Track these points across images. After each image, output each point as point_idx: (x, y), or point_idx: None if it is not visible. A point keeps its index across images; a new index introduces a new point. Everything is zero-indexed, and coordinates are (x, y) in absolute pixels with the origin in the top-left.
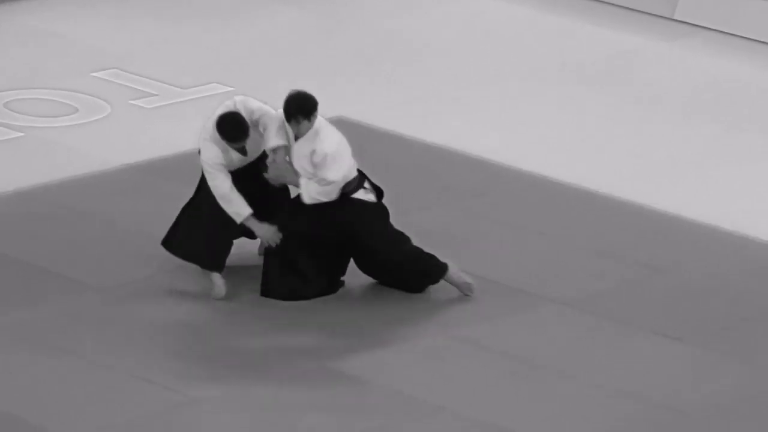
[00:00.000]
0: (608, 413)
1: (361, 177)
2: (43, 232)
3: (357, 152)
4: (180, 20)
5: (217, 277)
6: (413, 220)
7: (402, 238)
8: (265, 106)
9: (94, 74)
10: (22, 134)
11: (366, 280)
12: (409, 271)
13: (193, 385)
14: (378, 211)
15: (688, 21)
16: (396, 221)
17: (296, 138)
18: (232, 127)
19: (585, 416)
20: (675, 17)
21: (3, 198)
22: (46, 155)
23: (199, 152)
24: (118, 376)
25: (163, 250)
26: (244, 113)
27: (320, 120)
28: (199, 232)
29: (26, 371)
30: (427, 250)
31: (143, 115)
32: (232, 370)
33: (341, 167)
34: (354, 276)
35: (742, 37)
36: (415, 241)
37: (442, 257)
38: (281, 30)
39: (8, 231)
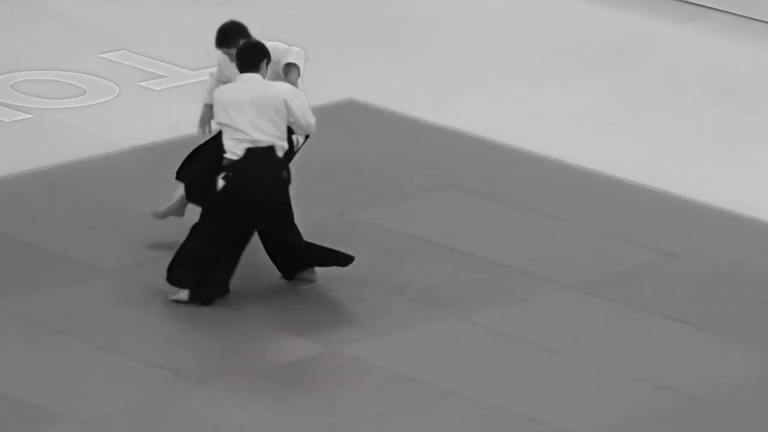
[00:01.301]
0: (620, 398)
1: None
2: (50, 215)
3: (367, 135)
4: (189, 1)
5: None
6: (423, 203)
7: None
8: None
9: (102, 55)
10: (30, 116)
11: (371, 265)
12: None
13: (198, 369)
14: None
15: (700, 3)
16: (406, 204)
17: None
18: (219, 31)
19: (597, 401)
20: None
21: (10, 179)
22: (53, 137)
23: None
24: (124, 360)
25: (169, 232)
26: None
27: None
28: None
29: (31, 354)
30: (437, 233)
31: (152, 96)
32: (237, 354)
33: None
34: (361, 260)
35: (754, 19)
36: (426, 223)
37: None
38: (291, 11)
39: (15, 213)
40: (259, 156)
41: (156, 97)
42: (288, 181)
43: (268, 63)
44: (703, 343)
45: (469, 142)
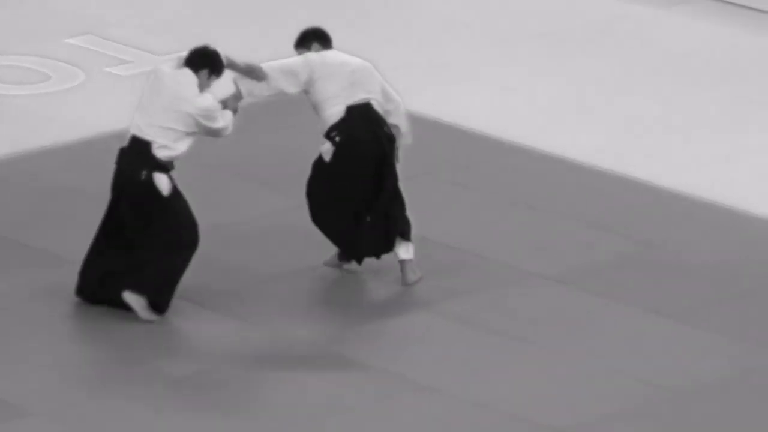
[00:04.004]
0: (598, 392)
1: None
2: (15, 204)
3: None
4: None
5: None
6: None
7: None
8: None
9: (67, 40)
10: None
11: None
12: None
13: (175, 361)
14: None
15: None
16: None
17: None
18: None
19: (574, 395)
20: None
21: None
22: (17, 124)
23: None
24: (95, 352)
25: None
26: None
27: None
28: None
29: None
30: (411, 221)
31: (118, 82)
32: (206, 346)
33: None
34: (331, 250)
35: (734, 4)
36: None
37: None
38: None
39: None
40: None
41: (122, 82)
42: None
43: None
44: (682, 335)
45: (443, 129)
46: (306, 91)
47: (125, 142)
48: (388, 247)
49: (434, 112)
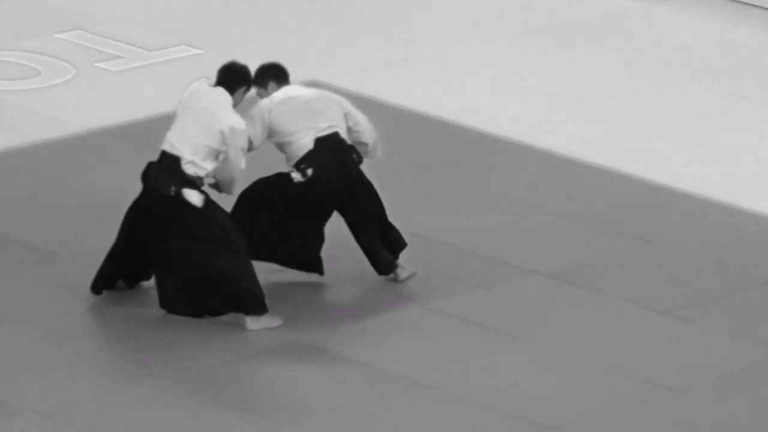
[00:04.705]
0: (592, 389)
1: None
2: (5, 199)
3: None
4: None
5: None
6: (389, 187)
7: None
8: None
9: (57, 35)
10: None
11: (331, 251)
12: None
13: (165, 357)
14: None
15: None
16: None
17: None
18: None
19: (567, 392)
20: None
21: None
22: (7, 119)
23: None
24: (85, 348)
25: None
26: None
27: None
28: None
29: None
30: (400, 218)
31: (109, 77)
32: (196, 343)
33: None
34: (325, 251)
35: (738, 1)
36: (392, 209)
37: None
38: None
39: None
40: None
41: (113, 78)
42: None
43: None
44: (677, 331)
45: (437, 125)
46: (269, 135)
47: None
48: (395, 258)
49: (428, 108)
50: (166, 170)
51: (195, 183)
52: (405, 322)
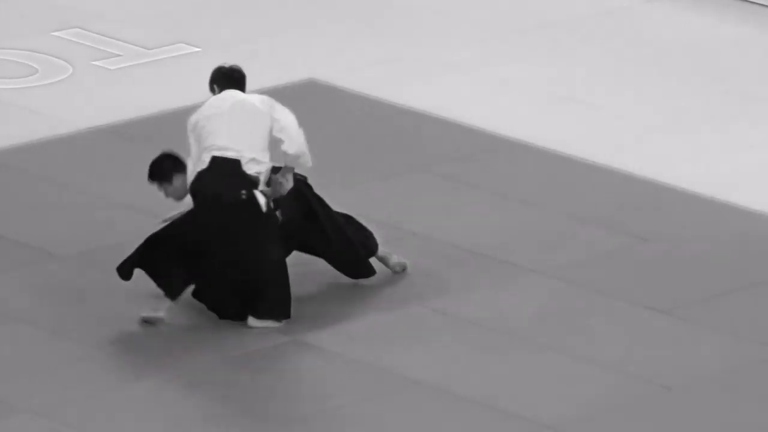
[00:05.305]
0: (590, 388)
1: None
2: (2, 198)
3: (330, 116)
4: None
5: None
6: (388, 186)
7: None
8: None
9: (54, 33)
10: None
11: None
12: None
13: (165, 358)
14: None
15: None
16: (371, 188)
17: None
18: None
19: (566, 391)
20: None
21: None
22: (4, 118)
23: None
24: (80, 348)
25: (126, 216)
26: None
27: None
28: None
29: None
30: (402, 217)
31: (106, 76)
32: (196, 342)
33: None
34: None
35: None
36: (391, 207)
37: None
38: None
39: None
40: None
41: (110, 76)
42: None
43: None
44: (676, 330)
45: (437, 123)
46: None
47: (203, 165)
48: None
49: (427, 106)
50: (224, 175)
51: (256, 183)
52: (405, 322)
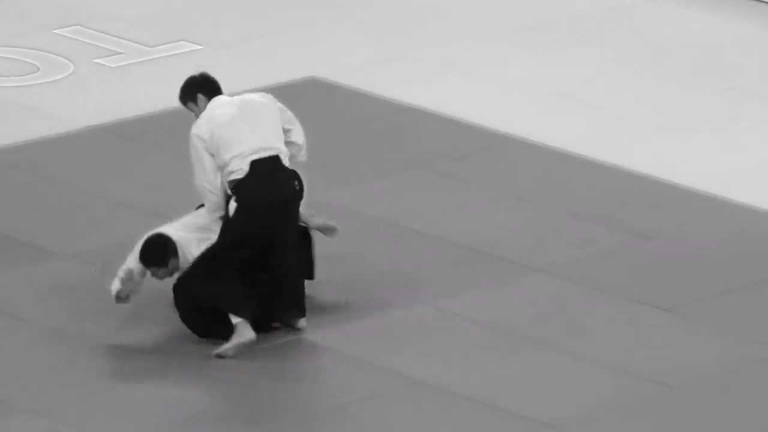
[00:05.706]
0: (591, 385)
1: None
2: (4, 197)
3: (331, 114)
4: None
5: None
6: (389, 184)
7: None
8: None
9: (56, 31)
10: None
11: (334, 248)
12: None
13: (165, 357)
14: None
15: None
16: (371, 185)
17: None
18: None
19: (567, 390)
20: None
21: None
22: (5, 116)
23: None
24: (80, 348)
25: (126, 216)
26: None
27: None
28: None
29: None
30: (403, 215)
31: (108, 74)
32: (197, 339)
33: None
34: (326, 249)
35: None
36: (391, 206)
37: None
38: None
39: None
40: None
41: (112, 74)
42: None
43: None
44: (678, 329)
45: (437, 121)
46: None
47: (241, 174)
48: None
49: (427, 104)
50: (271, 175)
51: (297, 173)
52: (405, 321)
